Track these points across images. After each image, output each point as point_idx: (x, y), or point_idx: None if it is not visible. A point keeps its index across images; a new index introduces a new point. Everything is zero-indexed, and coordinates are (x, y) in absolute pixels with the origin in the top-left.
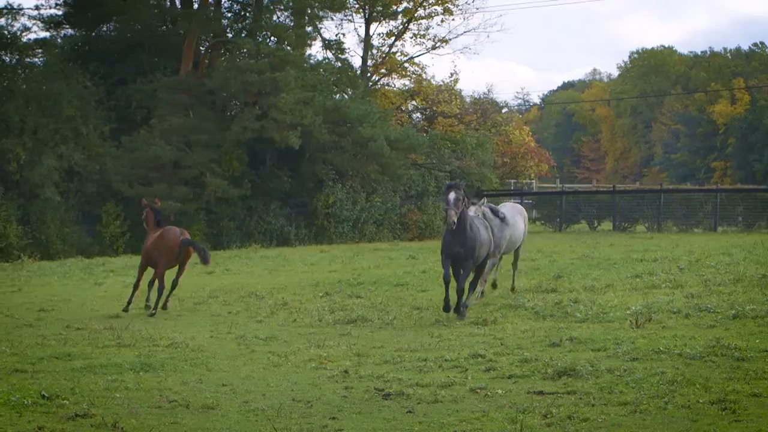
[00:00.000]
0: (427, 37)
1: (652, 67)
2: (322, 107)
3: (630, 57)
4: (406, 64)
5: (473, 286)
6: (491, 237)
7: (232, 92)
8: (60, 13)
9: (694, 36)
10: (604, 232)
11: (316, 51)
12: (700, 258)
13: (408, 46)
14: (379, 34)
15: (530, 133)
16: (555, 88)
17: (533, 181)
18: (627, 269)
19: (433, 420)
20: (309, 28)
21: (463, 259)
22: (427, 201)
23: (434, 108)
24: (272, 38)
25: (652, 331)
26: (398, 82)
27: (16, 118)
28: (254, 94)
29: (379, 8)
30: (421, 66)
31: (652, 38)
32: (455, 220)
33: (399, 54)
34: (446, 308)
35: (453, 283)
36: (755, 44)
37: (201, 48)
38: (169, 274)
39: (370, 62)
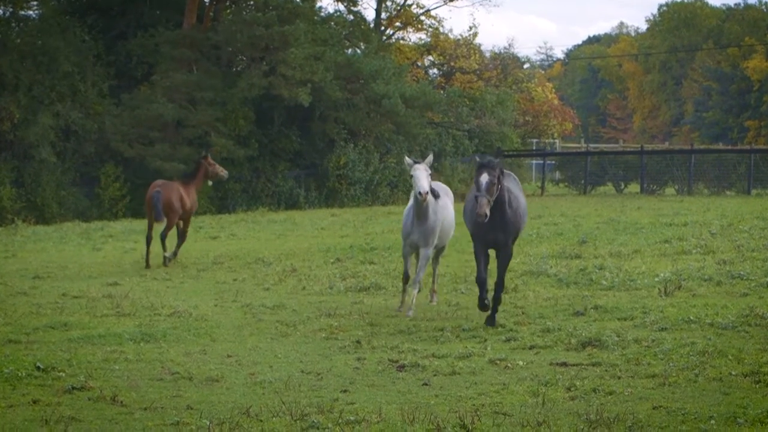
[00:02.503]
0: None
1: (682, 21)
2: (333, 63)
3: (659, 9)
4: (422, 17)
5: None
6: (525, 203)
7: (239, 47)
8: None
9: None
10: (632, 194)
11: (327, 3)
12: (733, 222)
13: None
14: None
15: (553, 90)
16: (580, 42)
17: (556, 140)
18: (655, 234)
19: (450, 393)
20: None
21: (502, 244)
22: (444, 162)
23: (452, 63)
24: None
25: (681, 300)
26: (414, 36)
27: (10, 74)
28: (262, 49)
29: None
30: (438, 19)
31: None
32: (487, 212)
33: (415, 6)
34: (485, 306)
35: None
36: None
37: (205, 0)
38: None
39: (384, 15)
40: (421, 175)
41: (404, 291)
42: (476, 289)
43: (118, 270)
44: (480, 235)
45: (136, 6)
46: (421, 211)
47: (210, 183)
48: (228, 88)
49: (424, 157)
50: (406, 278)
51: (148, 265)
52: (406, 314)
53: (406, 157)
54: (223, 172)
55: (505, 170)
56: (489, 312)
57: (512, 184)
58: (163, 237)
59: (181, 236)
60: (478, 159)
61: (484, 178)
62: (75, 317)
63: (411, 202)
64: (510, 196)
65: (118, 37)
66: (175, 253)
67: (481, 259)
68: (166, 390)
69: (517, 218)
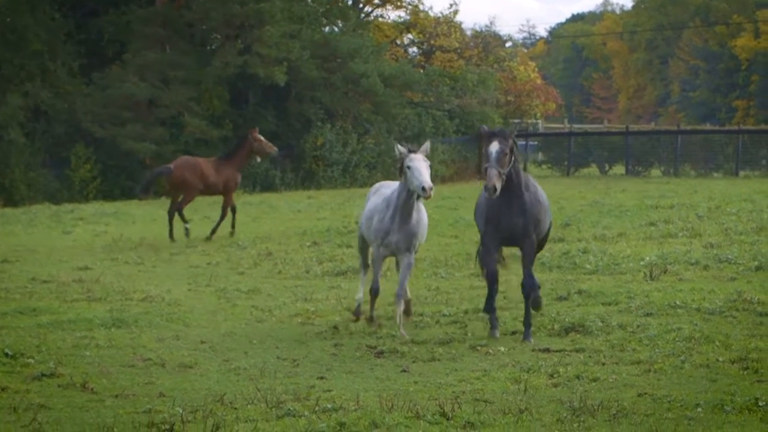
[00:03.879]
0: None
1: None
2: (310, 41)
3: None
4: None
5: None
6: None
7: (213, 24)
8: None
9: None
10: (616, 176)
11: None
12: (721, 205)
13: None
14: None
15: (536, 69)
16: (563, 20)
17: (539, 121)
18: (641, 217)
19: (430, 380)
20: None
21: (522, 234)
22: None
23: (432, 42)
24: None
25: (667, 284)
26: (393, 14)
27: None
28: (236, 27)
29: None
30: None
31: None
32: (498, 185)
33: None
34: (491, 308)
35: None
36: None
37: None
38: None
39: None
40: (421, 167)
41: (372, 307)
42: (458, 274)
43: (89, 254)
44: (493, 222)
45: None
46: (407, 207)
47: (258, 160)
48: (202, 67)
49: (417, 145)
50: (376, 291)
51: (172, 238)
52: (401, 334)
53: (398, 146)
54: (272, 149)
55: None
56: (493, 324)
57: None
58: (179, 209)
59: (222, 214)
60: (486, 128)
61: (494, 147)
62: (44, 302)
63: (389, 195)
64: (527, 179)
65: (89, 15)
66: (213, 231)
67: (491, 245)
68: (138, 377)
69: (536, 204)
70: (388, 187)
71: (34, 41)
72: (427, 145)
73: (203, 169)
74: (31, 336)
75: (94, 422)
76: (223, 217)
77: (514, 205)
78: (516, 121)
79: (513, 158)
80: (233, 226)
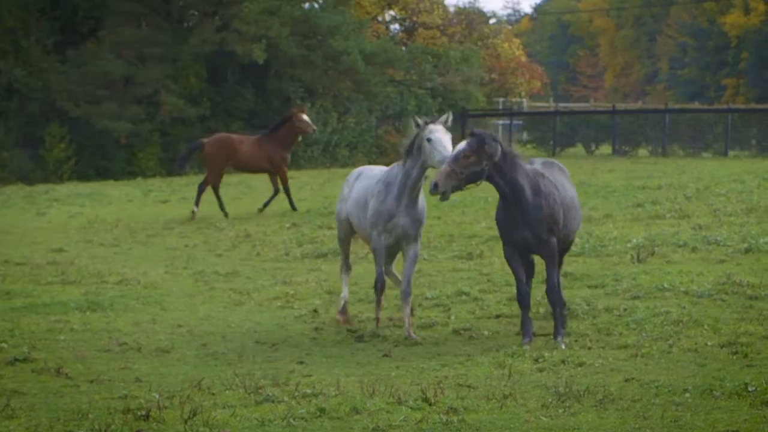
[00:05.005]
0: None
1: None
2: (289, 17)
3: None
4: None
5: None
6: (574, 196)
7: (190, 0)
8: None
9: None
10: (603, 156)
11: None
12: (709, 185)
13: None
14: None
15: (521, 46)
16: None
17: (524, 99)
18: (628, 197)
19: (412, 365)
20: None
21: (536, 245)
22: (406, 121)
23: (414, 18)
24: None
25: (655, 267)
26: None
27: None
28: (214, 3)
29: None
30: None
31: None
32: (444, 186)
33: None
34: (527, 333)
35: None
36: None
37: None
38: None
39: None
40: (444, 139)
41: (379, 305)
42: (441, 255)
43: (64, 235)
44: (505, 234)
45: None
46: (417, 188)
47: (299, 138)
48: (179, 44)
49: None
50: (381, 286)
51: (224, 212)
52: (411, 337)
53: (416, 118)
54: (310, 129)
55: (550, 160)
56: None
57: (555, 173)
58: (214, 186)
59: (275, 190)
60: (473, 130)
61: (461, 145)
62: (18, 285)
63: (384, 176)
64: (539, 182)
65: None
66: (265, 204)
67: (516, 266)
68: (114, 362)
69: (551, 208)
70: (373, 170)
71: (6, 18)
72: (447, 115)
73: (235, 147)
74: (4, 320)
75: (69, 408)
76: (276, 192)
77: (518, 218)
78: (500, 99)
79: (488, 165)
80: (264, 205)
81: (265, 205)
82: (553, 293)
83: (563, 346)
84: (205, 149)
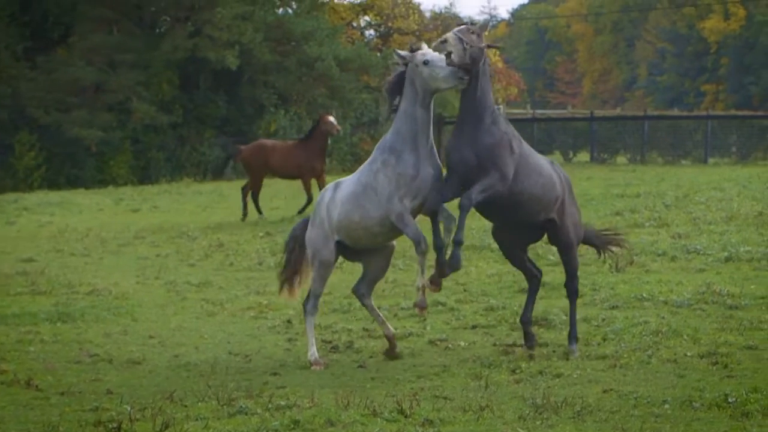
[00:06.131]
0: None
1: None
2: (263, 23)
3: None
4: None
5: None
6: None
7: (162, 6)
8: None
9: None
10: (581, 163)
11: None
12: (689, 193)
13: None
14: None
15: (497, 52)
16: (526, 1)
17: (501, 106)
18: (606, 206)
19: (388, 376)
20: None
21: (475, 172)
22: (382, 129)
23: (389, 24)
24: None
25: (633, 276)
26: None
27: None
28: (187, 9)
29: None
30: None
31: None
32: (457, 53)
33: None
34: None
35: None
36: None
37: None
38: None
39: None
40: (441, 57)
41: (424, 268)
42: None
43: (34, 245)
44: (448, 159)
45: None
46: (427, 129)
47: (329, 142)
48: (151, 50)
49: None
50: (425, 245)
51: (260, 212)
52: (420, 303)
53: (397, 51)
54: (334, 130)
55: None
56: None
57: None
58: (253, 192)
59: (308, 197)
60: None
61: (452, 30)
62: None
63: (392, 133)
64: (501, 119)
65: None
66: (299, 211)
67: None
68: (85, 373)
69: (502, 144)
70: (349, 177)
71: None
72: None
73: (269, 153)
74: None
75: (39, 420)
76: (309, 200)
77: (465, 139)
78: None
79: (485, 80)
80: (299, 212)
81: (299, 212)
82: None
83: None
84: (242, 155)
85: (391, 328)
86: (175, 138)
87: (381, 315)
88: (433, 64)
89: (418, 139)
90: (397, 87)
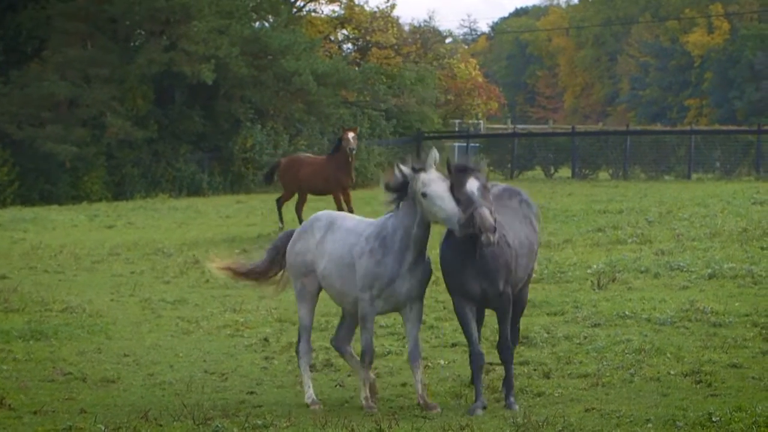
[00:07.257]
0: None
1: None
2: (239, 36)
3: None
4: None
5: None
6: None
7: (137, 20)
8: None
9: None
10: (562, 179)
11: None
12: (672, 209)
13: None
14: None
15: (477, 66)
16: (506, 14)
17: (481, 121)
18: (588, 222)
19: None
20: None
21: (494, 297)
22: (360, 144)
23: (368, 38)
24: None
25: (616, 293)
26: (326, 8)
27: None
28: (162, 22)
29: None
30: None
31: None
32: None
33: None
34: (479, 397)
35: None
36: None
37: None
38: None
39: None
40: (442, 190)
41: (367, 383)
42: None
43: (6, 262)
44: (458, 285)
45: None
46: (423, 244)
47: (351, 158)
48: (125, 64)
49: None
50: (371, 358)
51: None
52: (429, 407)
53: (400, 166)
54: (348, 146)
55: (512, 188)
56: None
57: (514, 203)
58: (278, 204)
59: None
60: (458, 163)
61: (474, 184)
62: None
63: (375, 231)
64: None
65: (6, 9)
66: None
67: (464, 312)
68: (58, 392)
69: (506, 255)
70: (348, 222)
71: None
72: (433, 154)
73: (299, 168)
74: None
75: None
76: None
77: (474, 266)
78: (457, 121)
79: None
80: None
81: None
82: (504, 350)
83: (516, 407)
84: (279, 169)
85: (372, 375)
86: (150, 153)
87: (356, 357)
88: (431, 200)
89: (410, 252)
90: (402, 197)
